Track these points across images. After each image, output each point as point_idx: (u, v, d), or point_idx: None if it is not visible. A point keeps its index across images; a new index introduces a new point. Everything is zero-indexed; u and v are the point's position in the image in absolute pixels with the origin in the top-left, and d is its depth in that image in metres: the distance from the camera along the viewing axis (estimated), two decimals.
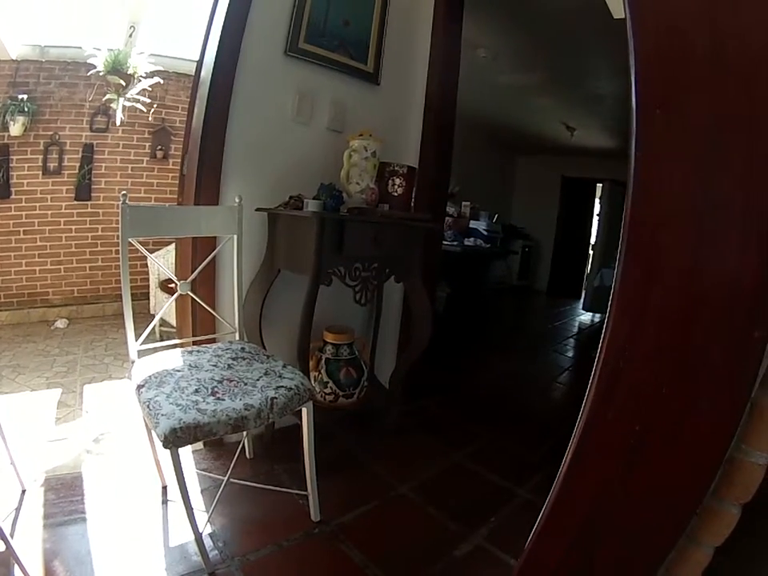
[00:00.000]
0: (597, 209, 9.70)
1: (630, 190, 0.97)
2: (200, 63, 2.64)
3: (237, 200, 2.19)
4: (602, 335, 1.01)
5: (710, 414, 0.97)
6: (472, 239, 6.92)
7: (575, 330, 7.05)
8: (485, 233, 7.44)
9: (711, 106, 0.91)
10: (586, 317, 8.02)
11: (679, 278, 0.95)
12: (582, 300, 8.96)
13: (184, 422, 1.47)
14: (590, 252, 9.74)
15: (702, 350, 0.96)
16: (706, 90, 0.92)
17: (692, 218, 0.93)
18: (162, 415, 1.50)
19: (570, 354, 5.63)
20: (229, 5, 2.28)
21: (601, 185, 8.92)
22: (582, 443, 1.07)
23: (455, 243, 6.20)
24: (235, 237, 2.20)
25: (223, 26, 2.28)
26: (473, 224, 7.45)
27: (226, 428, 1.54)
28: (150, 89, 4.67)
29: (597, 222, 9.26)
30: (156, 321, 2.16)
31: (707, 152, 0.92)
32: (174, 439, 1.45)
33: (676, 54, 0.95)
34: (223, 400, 1.62)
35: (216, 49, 2.30)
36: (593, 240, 9.69)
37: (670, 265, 0.95)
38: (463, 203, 7.24)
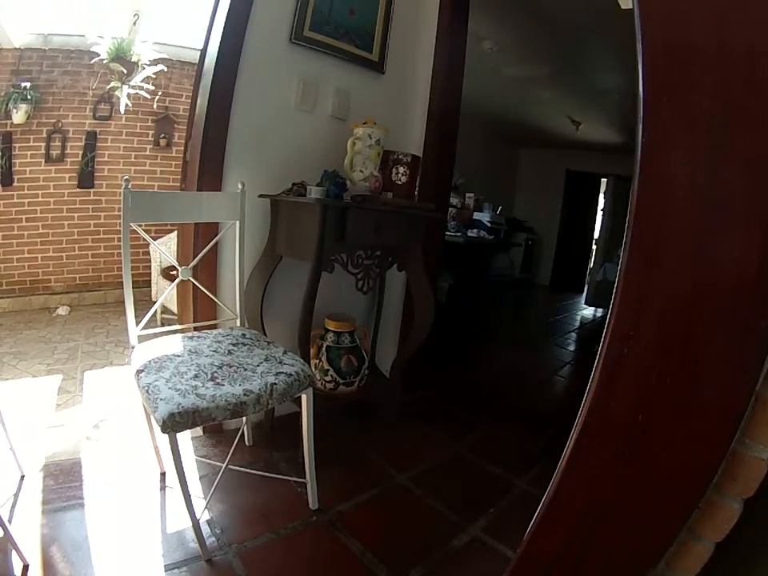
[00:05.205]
0: (601, 204, 9.68)
1: (636, 176, 0.96)
2: (204, 52, 2.65)
3: (239, 186, 2.18)
4: (606, 322, 1.01)
5: (714, 406, 0.96)
6: (475, 230, 6.90)
7: (577, 324, 7.03)
8: (488, 224, 7.42)
9: (718, 94, 0.91)
10: (588, 311, 8.01)
11: (684, 265, 0.94)
12: (584, 295, 8.97)
13: (182, 407, 1.47)
14: (594, 247, 9.73)
15: (707, 339, 0.95)
16: (712, 78, 0.91)
17: (698, 205, 0.92)
18: (161, 400, 1.50)
19: (572, 348, 5.62)
20: None
21: (605, 180, 8.92)
22: (584, 432, 1.07)
23: (458, 234, 6.18)
24: (237, 223, 2.19)
25: (227, 14, 2.27)
26: (476, 215, 7.44)
27: (225, 413, 1.54)
28: (154, 77, 4.68)
29: (601, 217, 9.26)
30: (157, 306, 2.16)
31: (713, 139, 0.91)
32: (173, 424, 1.45)
33: (684, 42, 0.94)
34: (222, 385, 1.61)
35: (220, 37, 2.28)
36: (596, 235, 9.68)
37: (675, 252, 0.95)
38: (467, 195, 7.24)
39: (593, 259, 9.48)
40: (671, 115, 0.94)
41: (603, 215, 8.88)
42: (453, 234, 6.09)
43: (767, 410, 0.95)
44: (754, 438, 0.96)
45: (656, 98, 0.95)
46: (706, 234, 0.92)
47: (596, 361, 1.03)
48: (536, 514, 1.19)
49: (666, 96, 0.94)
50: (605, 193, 9.19)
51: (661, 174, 0.95)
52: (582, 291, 9.33)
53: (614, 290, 0.99)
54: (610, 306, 1.00)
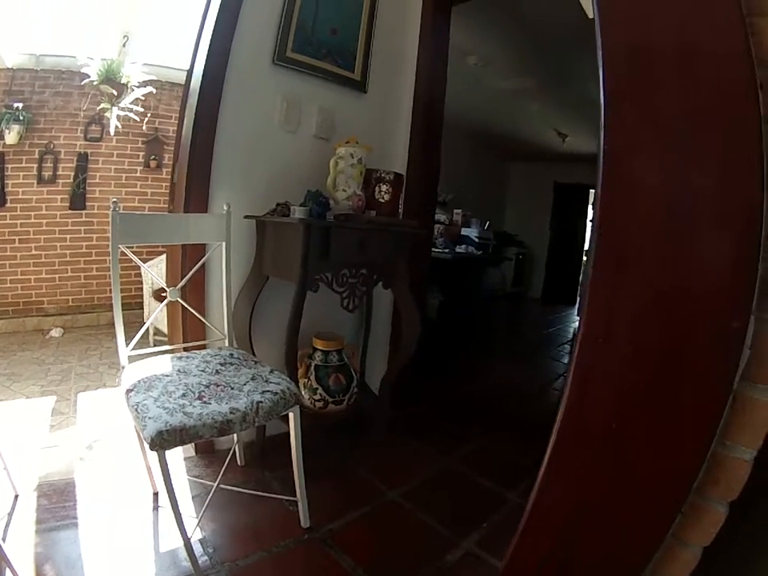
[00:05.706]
0: (590, 214, 9.70)
1: (600, 183, 0.98)
2: (190, 73, 2.66)
3: (225, 207, 2.20)
4: (577, 329, 1.02)
5: (690, 409, 0.97)
6: (463, 246, 6.91)
7: (570, 336, 7.01)
8: (476, 240, 7.42)
9: (681, 98, 0.92)
10: None
11: (654, 270, 0.96)
12: (576, 306, 8.96)
13: (170, 425, 1.48)
14: (584, 258, 9.73)
15: (681, 341, 0.96)
16: (675, 83, 0.93)
17: (664, 210, 0.94)
18: (149, 418, 1.51)
19: (565, 360, 5.59)
20: (218, 15, 2.30)
21: (593, 190, 8.93)
22: (560, 439, 1.08)
23: (446, 251, 6.18)
24: (224, 244, 2.21)
25: (212, 36, 2.30)
26: (464, 231, 7.42)
27: (212, 431, 1.55)
28: (144, 98, 4.70)
29: (590, 228, 9.27)
30: (146, 326, 2.17)
31: (678, 144, 0.93)
32: (161, 441, 1.46)
33: (644, 47, 0.96)
34: (209, 404, 1.63)
35: (205, 59, 2.32)
36: (586, 246, 9.68)
37: (644, 257, 0.96)
38: (455, 211, 7.26)
39: (584, 270, 9.49)
40: (635, 121, 0.96)
41: (592, 226, 8.89)
42: (441, 250, 6.10)
43: (746, 409, 0.95)
44: (735, 439, 0.97)
45: (618, 104, 0.97)
46: (675, 238, 0.93)
47: (568, 367, 1.04)
48: (519, 523, 1.20)
49: (628, 102, 0.96)
50: (593, 203, 9.21)
51: (625, 180, 0.97)
52: (575, 303, 9.33)
53: (583, 297, 1.00)
54: (580, 313, 1.01)
